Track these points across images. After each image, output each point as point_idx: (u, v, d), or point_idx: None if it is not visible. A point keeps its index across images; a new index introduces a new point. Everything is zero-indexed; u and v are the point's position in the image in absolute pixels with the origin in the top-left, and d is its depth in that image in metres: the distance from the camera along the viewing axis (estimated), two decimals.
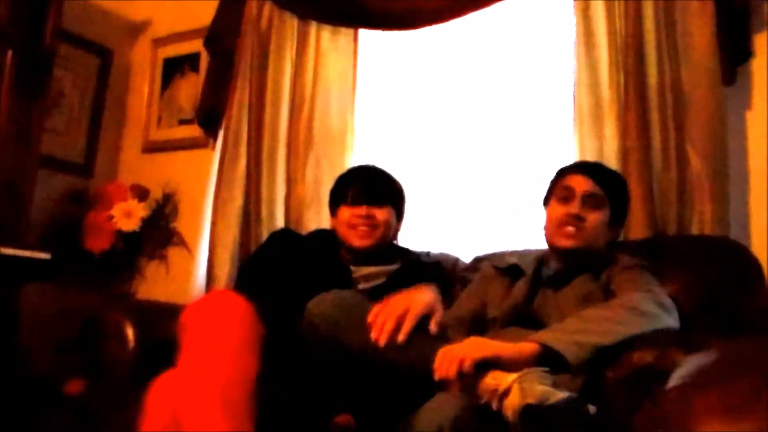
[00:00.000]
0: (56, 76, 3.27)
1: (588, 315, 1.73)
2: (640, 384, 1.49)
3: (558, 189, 2.06)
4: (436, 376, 1.60)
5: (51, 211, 3.38)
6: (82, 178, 3.66)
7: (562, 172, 2.10)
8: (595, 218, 1.98)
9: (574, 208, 1.98)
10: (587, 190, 2.00)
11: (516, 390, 1.48)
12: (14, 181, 2.88)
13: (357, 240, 2.31)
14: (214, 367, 1.66)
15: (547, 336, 1.65)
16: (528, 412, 1.42)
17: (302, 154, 3.07)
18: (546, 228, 2.06)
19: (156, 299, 3.10)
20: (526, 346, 1.63)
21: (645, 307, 1.72)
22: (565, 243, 1.98)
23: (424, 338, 1.78)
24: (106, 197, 3.42)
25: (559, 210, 2.01)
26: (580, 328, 1.66)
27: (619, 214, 2.07)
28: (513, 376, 1.51)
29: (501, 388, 1.50)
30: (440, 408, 1.57)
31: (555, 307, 1.93)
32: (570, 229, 1.97)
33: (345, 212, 2.34)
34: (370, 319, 1.76)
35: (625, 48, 2.45)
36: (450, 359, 1.59)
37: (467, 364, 1.56)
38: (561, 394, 1.44)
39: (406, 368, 1.71)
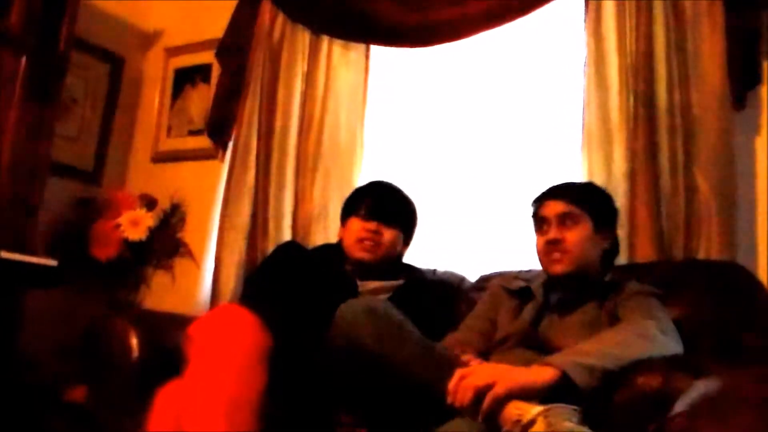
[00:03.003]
0: (68, 83, 3.28)
1: (604, 339, 1.72)
2: (645, 409, 1.49)
3: (536, 221, 2.10)
4: (450, 400, 1.58)
5: (59, 218, 3.39)
6: (90, 185, 3.67)
7: (535, 203, 2.13)
8: (573, 235, 2.00)
9: (551, 233, 2.01)
10: (559, 211, 2.03)
11: (541, 423, 1.45)
12: (24, 186, 2.88)
13: (359, 252, 2.32)
14: (220, 380, 1.67)
15: (567, 363, 1.60)
16: None
17: (311, 168, 3.08)
18: (538, 259, 2.09)
19: (161, 309, 3.10)
20: (545, 374, 1.59)
21: (651, 333, 1.71)
22: (556, 269, 2.01)
23: (442, 356, 1.77)
24: (114, 205, 3.43)
25: (540, 241, 2.06)
26: (597, 352, 1.64)
27: (602, 221, 2.08)
28: (538, 408, 1.48)
29: (525, 419, 1.47)
30: None
31: (560, 332, 1.92)
32: (555, 255, 2.00)
33: (355, 224, 2.35)
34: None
35: (636, 69, 2.46)
36: (465, 387, 1.56)
37: (491, 400, 1.53)
38: None
39: (427, 384, 1.68)
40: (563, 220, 2.02)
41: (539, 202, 2.11)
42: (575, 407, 1.52)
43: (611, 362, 1.61)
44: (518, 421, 1.48)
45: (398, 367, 1.69)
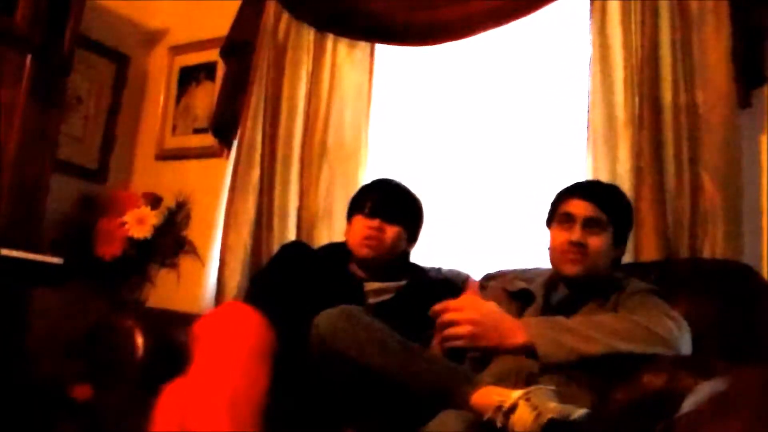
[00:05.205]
0: (73, 81, 3.29)
1: (593, 321, 1.79)
2: (649, 407, 1.49)
3: (559, 214, 2.06)
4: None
5: (64, 216, 3.40)
6: (95, 183, 3.67)
7: (562, 196, 2.09)
8: (597, 242, 1.98)
9: (575, 234, 1.98)
10: (588, 215, 1.99)
11: (524, 406, 1.46)
12: (29, 184, 2.89)
13: (362, 250, 2.32)
14: (224, 377, 1.67)
15: (536, 331, 1.77)
16: (552, 427, 1.41)
17: (316, 167, 3.07)
18: (550, 252, 2.06)
19: (166, 307, 3.10)
20: (515, 339, 1.77)
21: (660, 331, 1.72)
22: (570, 270, 1.99)
23: (422, 354, 1.78)
24: (118, 203, 3.44)
25: (561, 236, 2.01)
26: (573, 329, 1.72)
27: (622, 233, 2.07)
28: (518, 392, 1.50)
29: (506, 405, 1.48)
30: (444, 426, 1.56)
31: None
32: (575, 256, 1.98)
33: (359, 222, 2.35)
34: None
35: (641, 68, 2.45)
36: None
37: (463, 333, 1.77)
38: (580, 411, 1.43)
39: (408, 385, 1.70)
40: (589, 224, 1.99)
41: (567, 196, 2.06)
42: (553, 387, 1.54)
43: (590, 346, 1.69)
44: (500, 407, 1.49)
45: (381, 369, 1.71)
